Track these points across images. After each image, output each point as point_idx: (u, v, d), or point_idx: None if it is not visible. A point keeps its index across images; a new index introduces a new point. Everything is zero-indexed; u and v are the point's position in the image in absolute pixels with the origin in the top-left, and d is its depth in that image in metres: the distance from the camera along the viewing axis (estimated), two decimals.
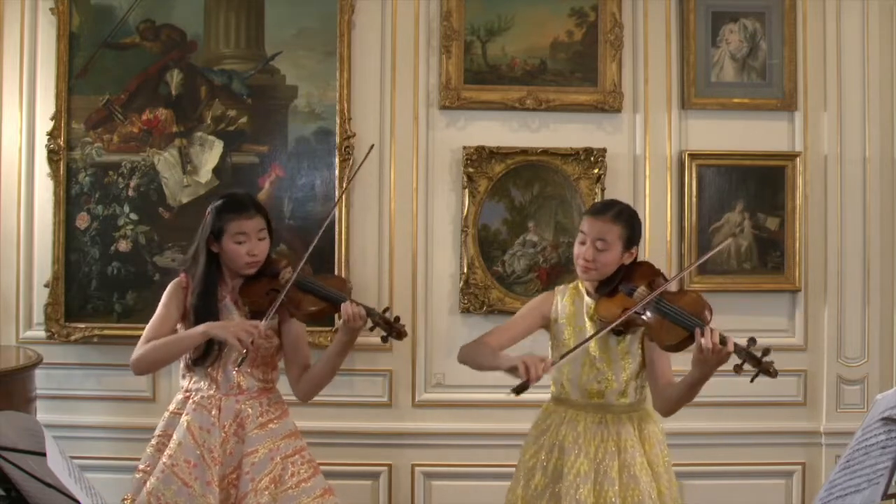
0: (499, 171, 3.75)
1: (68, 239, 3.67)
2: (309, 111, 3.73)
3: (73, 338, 3.67)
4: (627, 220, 2.66)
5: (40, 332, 3.70)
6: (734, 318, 3.56)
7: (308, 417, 3.08)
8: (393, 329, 2.57)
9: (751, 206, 3.81)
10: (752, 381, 2.40)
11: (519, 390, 2.43)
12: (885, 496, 1.66)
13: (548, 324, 2.76)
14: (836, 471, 1.74)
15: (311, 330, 3.35)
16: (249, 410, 2.63)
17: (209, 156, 3.71)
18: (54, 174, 3.68)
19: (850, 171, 3.85)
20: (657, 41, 3.84)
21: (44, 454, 1.62)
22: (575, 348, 2.57)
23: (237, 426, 2.61)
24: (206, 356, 2.62)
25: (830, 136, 3.85)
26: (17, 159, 3.74)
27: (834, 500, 1.71)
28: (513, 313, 2.99)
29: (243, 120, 3.72)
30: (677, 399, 2.55)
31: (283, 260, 2.76)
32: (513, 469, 2.78)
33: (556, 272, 3.75)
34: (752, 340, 2.35)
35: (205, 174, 3.71)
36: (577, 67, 3.81)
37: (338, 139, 3.71)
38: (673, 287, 2.63)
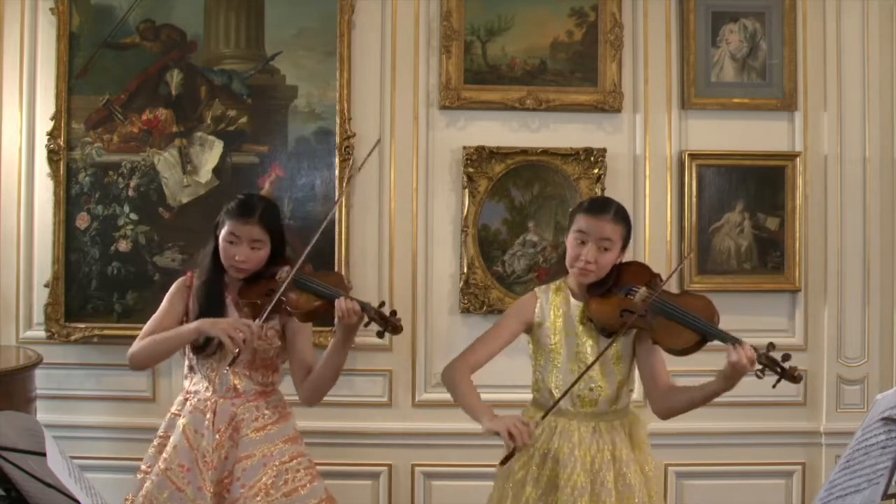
0: (499, 171, 3.75)
1: (68, 239, 3.67)
2: (309, 111, 3.73)
3: (73, 338, 3.67)
4: (626, 217, 2.58)
5: (40, 332, 3.70)
6: (734, 318, 3.52)
7: (308, 417, 3.08)
8: (388, 323, 2.46)
9: (751, 206, 3.81)
10: (773, 386, 2.38)
11: (506, 461, 2.37)
12: (885, 496, 1.66)
13: (530, 328, 2.63)
14: (836, 471, 1.74)
15: (314, 330, 3.33)
16: (245, 414, 2.58)
17: (209, 156, 3.71)
18: (54, 174, 3.67)
19: (850, 171, 3.84)
20: (657, 41, 3.83)
21: (44, 454, 1.62)
22: (581, 376, 2.46)
23: (232, 430, 2.56)
24: (202, 350, 2.58)
25: (830, 136, 3.85)
26: (17, 159, 3.73)
27: (834, 500, 1.71)
28: None
29: (243, 120, 3.72)
30: (687, 406, 2.49)
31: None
32: None
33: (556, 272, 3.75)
34: (771, 345, 2.33)
35: (205, 174, 3.71)
36: (577, 67, 3.80)
37: (338, 139, 3.71)
38: (673, 288, 2.62)
